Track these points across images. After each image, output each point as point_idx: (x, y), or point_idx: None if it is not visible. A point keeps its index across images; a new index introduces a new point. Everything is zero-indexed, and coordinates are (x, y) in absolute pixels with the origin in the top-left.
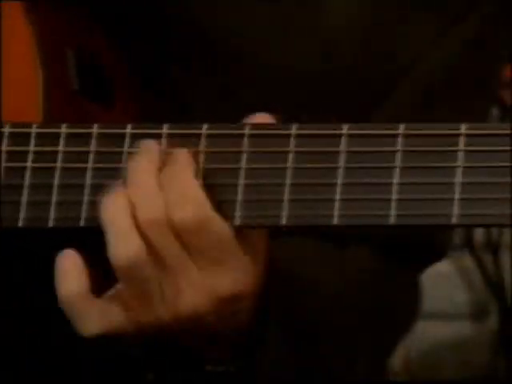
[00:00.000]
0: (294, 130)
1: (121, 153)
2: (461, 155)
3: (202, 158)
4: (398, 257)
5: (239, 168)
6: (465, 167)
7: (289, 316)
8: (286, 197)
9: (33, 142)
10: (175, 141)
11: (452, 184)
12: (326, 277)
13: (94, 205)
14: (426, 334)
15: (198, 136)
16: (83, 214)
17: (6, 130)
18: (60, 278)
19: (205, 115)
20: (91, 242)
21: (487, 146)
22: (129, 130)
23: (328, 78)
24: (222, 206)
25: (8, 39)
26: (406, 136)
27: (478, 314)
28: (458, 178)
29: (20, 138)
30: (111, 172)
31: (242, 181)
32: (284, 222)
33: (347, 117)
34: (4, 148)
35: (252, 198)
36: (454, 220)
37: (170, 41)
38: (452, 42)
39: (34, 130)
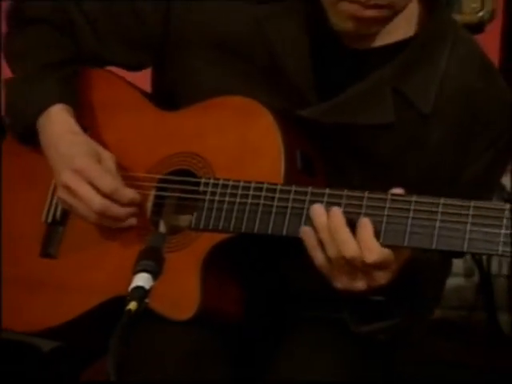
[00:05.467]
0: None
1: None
2: None
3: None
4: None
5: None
6: None
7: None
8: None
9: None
10: None
11: None
12: (425, 262)
13: None
14: None
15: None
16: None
17: (344, 193)
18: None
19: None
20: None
21: None
22: (472, 203)
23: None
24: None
25: (256, 137)
26: None
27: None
28: None
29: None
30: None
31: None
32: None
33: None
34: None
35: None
36: None
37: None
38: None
39: (366, 195)
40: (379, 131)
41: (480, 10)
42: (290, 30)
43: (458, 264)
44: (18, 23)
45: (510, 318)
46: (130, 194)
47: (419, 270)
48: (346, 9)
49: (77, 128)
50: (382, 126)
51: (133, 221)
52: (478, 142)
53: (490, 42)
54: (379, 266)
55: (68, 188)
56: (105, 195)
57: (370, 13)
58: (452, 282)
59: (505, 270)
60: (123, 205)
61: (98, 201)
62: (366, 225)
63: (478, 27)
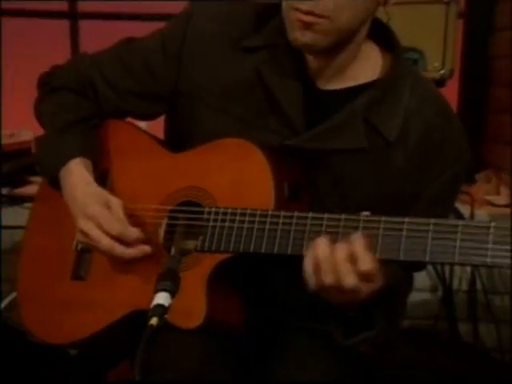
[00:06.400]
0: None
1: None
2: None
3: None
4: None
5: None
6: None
7: (385, 297)
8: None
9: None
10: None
11: None
12: (394, 279)
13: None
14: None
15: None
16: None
17: (325, 216)
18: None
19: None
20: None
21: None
22: (432, 221)
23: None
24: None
25: (250, 172)
26: None
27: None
28: None
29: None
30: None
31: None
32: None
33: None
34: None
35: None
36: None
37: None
38: (441, 182)
39: (343, 217)
40: (353, 156)
41: (441, 69)
42: (283, 73)
43: (424, 281)
44: (45, 91)
45: (469, 328)
46: (134, 234)
47: (390, 285)
48: (293, 16)
49: (90, 179)
50: (355, 150)
51: (146, 248)
52: (434, 167)
53: (450, 95)
54: (368, 276)
55: (82, 232)
56: (113, 237)
57: (309, 18)
58: (419, 296)
59: (464, 287)
60: (131, 243)
61: (104, 242)
62: (360, 238)
63: (440, 82)
